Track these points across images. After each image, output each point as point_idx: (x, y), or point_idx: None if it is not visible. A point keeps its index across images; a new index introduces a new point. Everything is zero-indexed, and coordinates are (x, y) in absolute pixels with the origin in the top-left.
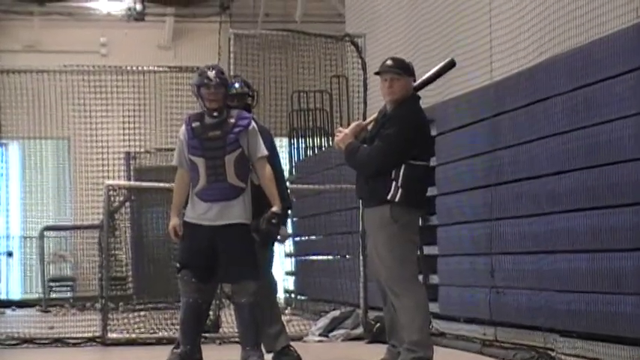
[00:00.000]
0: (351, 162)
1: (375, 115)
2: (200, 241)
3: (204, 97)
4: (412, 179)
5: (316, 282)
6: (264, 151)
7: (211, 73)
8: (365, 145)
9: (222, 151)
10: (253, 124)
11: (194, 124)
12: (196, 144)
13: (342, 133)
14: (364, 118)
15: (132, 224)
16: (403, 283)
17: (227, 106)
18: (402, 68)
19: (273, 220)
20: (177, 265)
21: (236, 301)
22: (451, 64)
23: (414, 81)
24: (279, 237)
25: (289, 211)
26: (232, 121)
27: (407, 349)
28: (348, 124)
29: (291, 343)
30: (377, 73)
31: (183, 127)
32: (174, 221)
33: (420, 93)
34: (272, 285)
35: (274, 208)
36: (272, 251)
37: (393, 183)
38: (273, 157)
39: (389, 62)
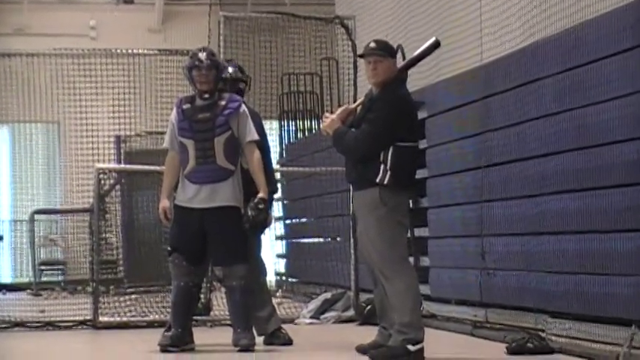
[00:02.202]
0: (339, 147)
1: (362, 99)
2: (190, 225)
3: (196, 79)
4: (400, 161)
5: (307, 264)
6: (254, 136)
7: (202, 55)
8: (352, 130)
9: (211, 133)
10: (244, 107)
11: (185, 107)
12: (186, 126)
13: (329, 119)
14: (354, 101)
15: (122, 207)
16: (393, 265)
17: (219, 90)
18: (385, 50)
19: (260, 206)
20: (169, 248)
21: (227, 284)
22: (435, 45)
23: (404, 60)
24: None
25: (274, 195)
26: (223, 103)
27: (398, 330)
28: (339, 107)
29: (282, 326)
30: (360, 56)
31: (175, 110)
32: (163, 203)
33: (409, 75)
34: (261, 268)
35: (261, 194)
36: (259, 234)
37: (382, 166)
38: (262, 140)
39: (372, 44)
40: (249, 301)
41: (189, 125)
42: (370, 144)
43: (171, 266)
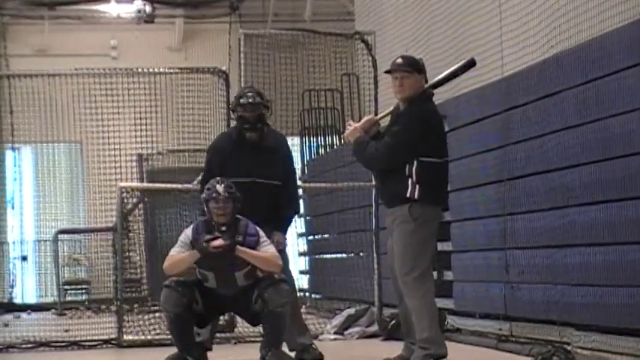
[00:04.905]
0: (358, 156)
1: (388, 110)
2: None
3: (213, 211)
4: (426, 176)
5: (330, 280)
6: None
7: (220, 187)
8: (373, 142)
9: (231, 268)
10: (261, 237)
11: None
12: (204, 264)
13: (352, 127)
14: (376, 115)
15: (145, 226)
16: (412, 282)
17: (235, 217)
18: (411, 66)
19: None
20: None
21: (271, 308)
22: (471, 64)
23: (425, 79)
24: (278, 242)
25: (296, 214)
26: (240, 240)
27: (419, 346)
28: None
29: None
30: (387, 72)
31: (189, 235)
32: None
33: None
34: (291, 283)
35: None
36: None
37: (409, 180)
38: (290, 162)
39: (399, 60)
40: (288, 322)
41: (208, 263)
42: (389, 157)
43: (164, 292)
